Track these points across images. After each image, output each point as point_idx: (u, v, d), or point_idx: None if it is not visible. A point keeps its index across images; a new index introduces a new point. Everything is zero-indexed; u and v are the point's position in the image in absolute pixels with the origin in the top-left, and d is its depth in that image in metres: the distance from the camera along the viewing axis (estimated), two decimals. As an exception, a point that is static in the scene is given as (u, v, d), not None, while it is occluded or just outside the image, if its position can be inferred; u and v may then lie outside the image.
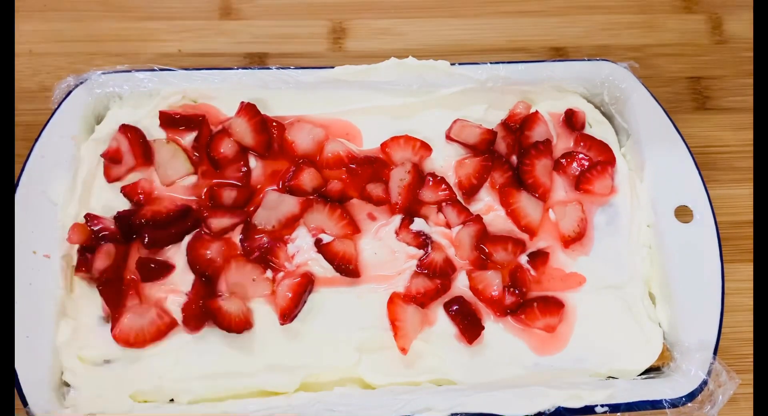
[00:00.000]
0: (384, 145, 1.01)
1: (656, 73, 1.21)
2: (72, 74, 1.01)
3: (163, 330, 0.90)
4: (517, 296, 0.93)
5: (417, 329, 0.91)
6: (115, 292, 0.91)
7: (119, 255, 0.92)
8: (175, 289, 0.92)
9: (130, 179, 0.98)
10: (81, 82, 1.01)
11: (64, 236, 0.92)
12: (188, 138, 1.00)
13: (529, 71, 1.05)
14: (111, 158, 0.97)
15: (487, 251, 0.96)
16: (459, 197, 0.99)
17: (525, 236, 0.98)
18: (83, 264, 0.92)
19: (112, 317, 0.90)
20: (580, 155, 1.02)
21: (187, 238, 0.94)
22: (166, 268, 0.93)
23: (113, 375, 0.88)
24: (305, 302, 0.92)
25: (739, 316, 1.04)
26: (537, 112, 1.04)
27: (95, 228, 0.93)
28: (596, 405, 0.85)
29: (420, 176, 0.99)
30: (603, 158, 1.02)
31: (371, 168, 0.99)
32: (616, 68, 1.05)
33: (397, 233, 0.97)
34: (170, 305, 0.91)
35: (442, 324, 0.93)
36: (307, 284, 0.92)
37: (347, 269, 0.94)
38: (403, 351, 0.89)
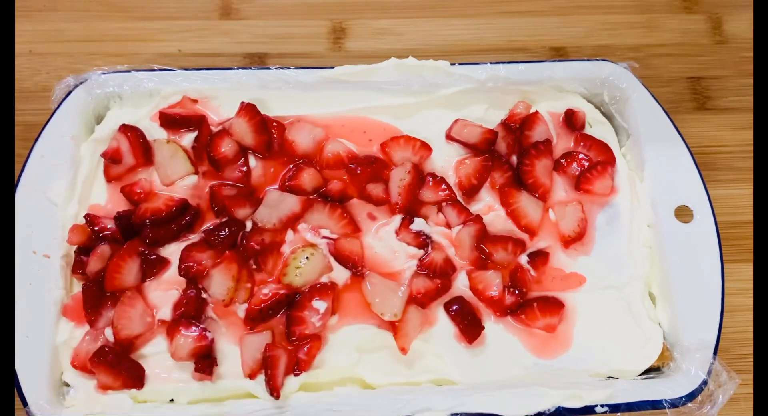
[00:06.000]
0: (384, 145, 1.01)
1: (656, 73, 1.22)
2: (72, 74, 1.01)
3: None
4: (517, 296, 0.93)
5: (417, 329, 0.91)
6: (95, 296, 0.90)
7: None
8: (170, 286, 0.92)
9: (130, 179, 0.98)
10: (81, 82, 1.01)
11: (64, 236, 0.92)
12: (188, 138, 1.01)
13: (529, 71, 1.05)
14: (111, 158, 0.97)
15: (487, 251, 0.95)
16: (459, 197, 0.99)
17: (525, 236, 0.98)
18: (79, 266, 0.92)
19: (87, 320, 0.89)
20: (580, 155, 1.02)
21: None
22: (162, 264, 0.93)
23: (113, 375, 0.88)
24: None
25: (739, 316, 1.04)
26: (537, 112, 1.04)
27: (95, 229, 0.93)
28: (596, 405, 0.85)
29: (420, 176, 0.99)
30: (603, 158, 1.02)
31: (371, 168, 0.99)
32: (616, 68, 1.05)
33: (397, 233, 0.97)
34: (167, 302, 0.91)
35: (442, 324, 0.93)
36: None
37: (355, 267, 0.94)
38: (403, 351, 0.89)
